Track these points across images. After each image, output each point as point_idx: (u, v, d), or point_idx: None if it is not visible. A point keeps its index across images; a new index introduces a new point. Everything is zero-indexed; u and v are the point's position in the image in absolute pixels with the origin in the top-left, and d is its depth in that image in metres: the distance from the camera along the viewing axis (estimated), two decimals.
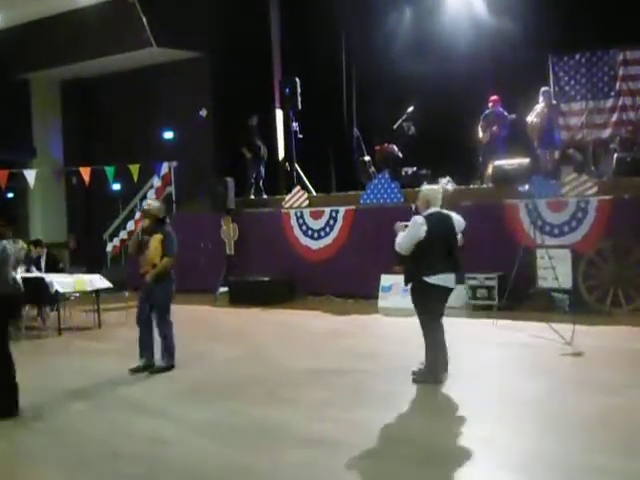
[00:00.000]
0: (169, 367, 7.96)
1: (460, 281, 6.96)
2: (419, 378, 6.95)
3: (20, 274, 7.16)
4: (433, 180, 13.33)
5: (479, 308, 10.89)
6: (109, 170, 14.41)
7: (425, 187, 7.32)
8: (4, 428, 6.20)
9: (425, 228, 6.71)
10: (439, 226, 6.79)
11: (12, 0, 13.98)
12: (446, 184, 13.15)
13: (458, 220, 7.00)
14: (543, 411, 6.07)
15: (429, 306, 6.88)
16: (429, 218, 6.81)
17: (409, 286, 7.04)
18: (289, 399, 6.70)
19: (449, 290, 6.91)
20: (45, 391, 7.26)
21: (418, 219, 6.81)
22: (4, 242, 6.71)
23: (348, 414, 6.14)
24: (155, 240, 7.95)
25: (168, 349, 8.00)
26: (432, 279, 6.75)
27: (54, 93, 18.31)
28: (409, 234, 6.79)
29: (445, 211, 7.02)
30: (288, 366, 8.03)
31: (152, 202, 8.50)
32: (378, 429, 5.72)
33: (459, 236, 7.01)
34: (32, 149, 17.87)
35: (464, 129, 13.20)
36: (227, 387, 7.26)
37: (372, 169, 13.95)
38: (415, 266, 6.84)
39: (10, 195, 17.67)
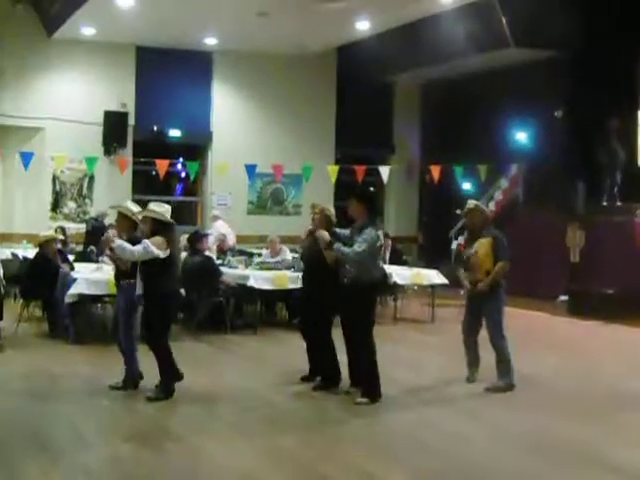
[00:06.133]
0: (508, 387, 7.08)
1: None
2: None
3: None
4: None
5: None
6: (457, 169, 14.67)
7: None
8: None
9: None
10: None
11: (383, 6, 14.78)
12: None
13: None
14: None
15: None
16: None
17: None
18: (608, 421, 6.29)
19: None
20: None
21: None
22: (380, 232, 6.71)
23: None
24: (486, 243, 7.07)
25: (505, 367, 7.12)
26: None
27: (414, 94, 19.15)
28: None
29: None
30: (617, 387, 7.49)
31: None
32: None
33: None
34: (391, 146, 18.97)
35: None
36: (546, 400, 7.00)
37: None
38: None
39: (372, 189, 18.98)
